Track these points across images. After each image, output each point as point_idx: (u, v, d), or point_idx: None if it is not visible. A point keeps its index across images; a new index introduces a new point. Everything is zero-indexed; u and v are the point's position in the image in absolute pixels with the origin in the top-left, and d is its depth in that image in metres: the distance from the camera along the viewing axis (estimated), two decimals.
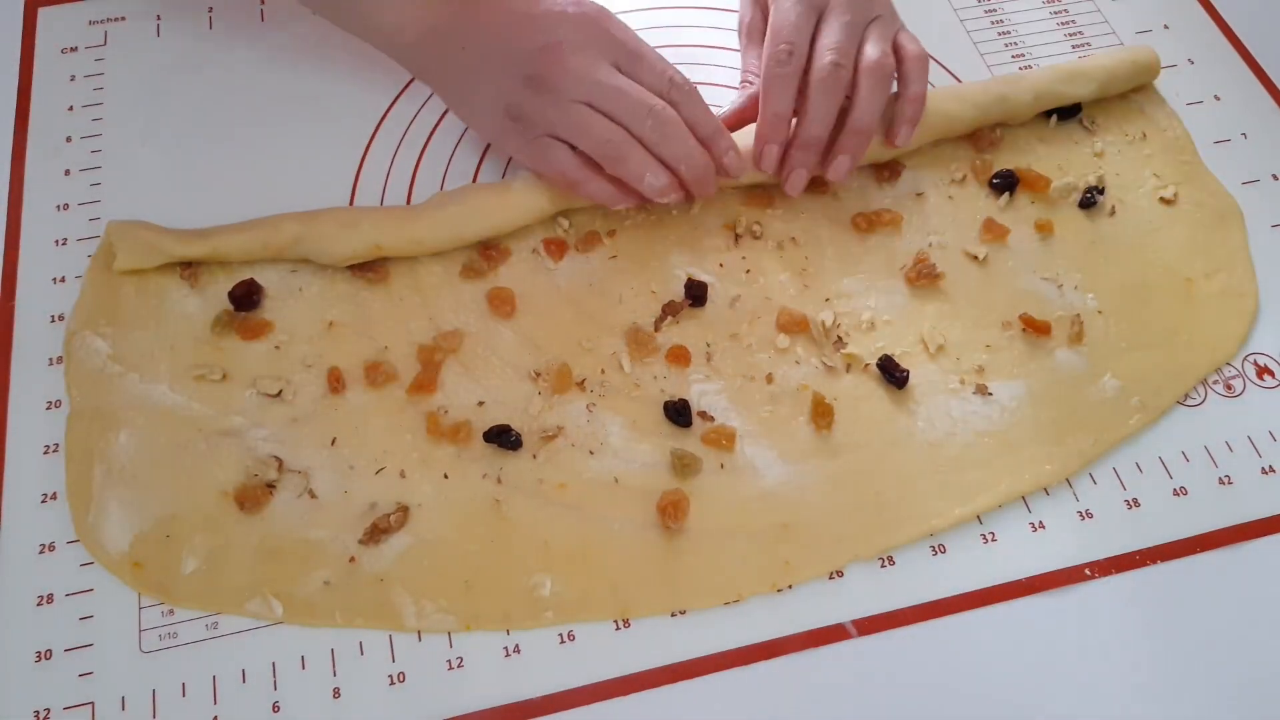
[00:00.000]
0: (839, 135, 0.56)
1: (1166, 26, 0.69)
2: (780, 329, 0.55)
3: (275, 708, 0.45)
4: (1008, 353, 0.55)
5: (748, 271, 0.57)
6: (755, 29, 0.61)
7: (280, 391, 0.52)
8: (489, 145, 0.62)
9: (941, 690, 0.46)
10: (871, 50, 0.55)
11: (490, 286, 0.56)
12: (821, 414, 0.52)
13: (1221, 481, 0.52)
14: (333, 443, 0.51)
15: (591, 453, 0.51)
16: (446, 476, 0.50)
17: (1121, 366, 0.54)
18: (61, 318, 0.54)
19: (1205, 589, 0.49)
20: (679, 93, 0.54)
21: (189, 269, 0.55)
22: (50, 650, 0.46)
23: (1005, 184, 0.60)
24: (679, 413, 0.52)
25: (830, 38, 0.55)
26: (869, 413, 0.53)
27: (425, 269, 0.56)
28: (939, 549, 0.50)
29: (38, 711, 0.44)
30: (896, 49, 0.57)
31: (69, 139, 0.61)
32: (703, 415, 0.52)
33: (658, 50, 0.55)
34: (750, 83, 0.61)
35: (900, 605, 0.48)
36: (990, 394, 0.53)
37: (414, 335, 0.54)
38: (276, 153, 0.61)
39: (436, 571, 0.48)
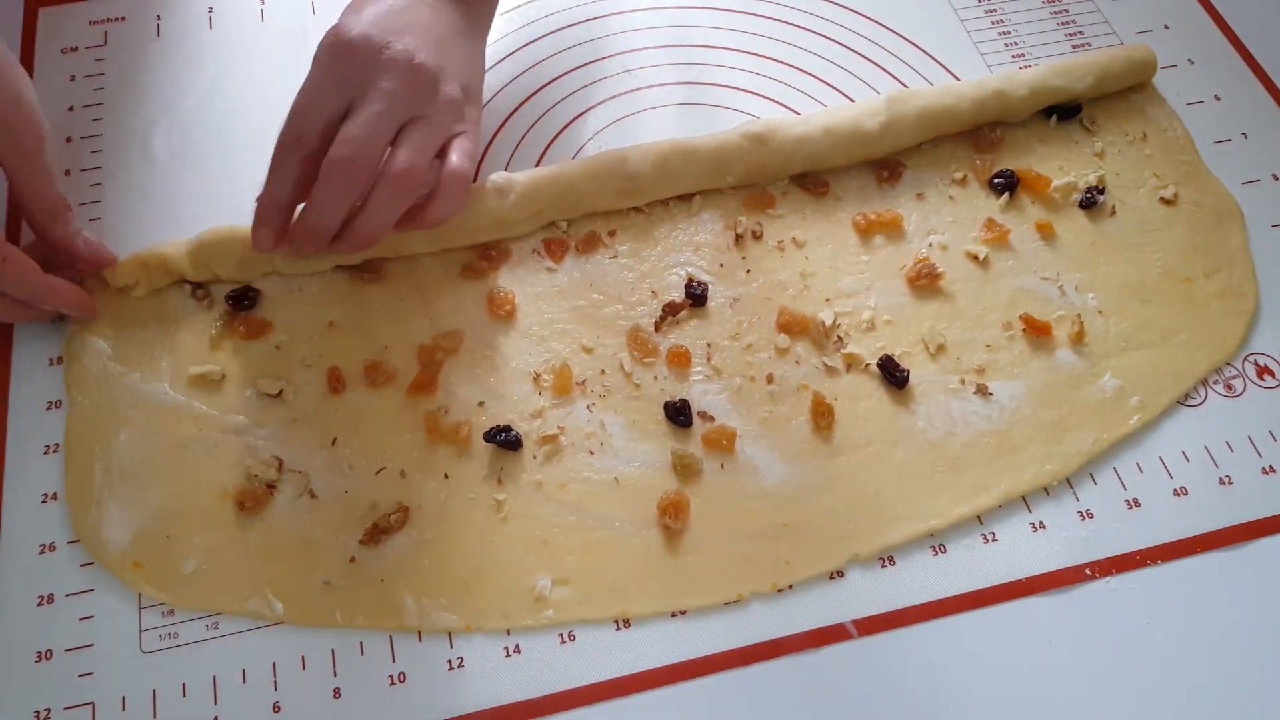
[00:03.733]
0: (343, 228, 0.50)
1: (1167, 26, 0.69)
2: (780, 329, 0.55)
3: (275, 708, 0.45)
4: (1008, 353, 0.55)
5: (748, 271, 0.57)
6: None
7: (280, 391, 0.52)
8: (489, 144, 0.62)
9: (941, 690, 0.46)
10: (400, 156, 0.49)
11: (490, 287, 0.56)
12: (821, 414, 0.52)
13: (1221, 481, 0.52)
14: (333, 443, 0.51)
15: (592, 453, 0.51)
16: (446, 476, 0.50)
17: (1121, 366, 0.54)
18: (62, 318, 0.54)
19: (1205, 589, 0.49)
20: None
21: (201, 288, 0.55)
22: (50, 650, 0.46)
23: (1006, 184, 0.60)
24: (679, 413, 0.52)
25: (350, 128, 0.48)
26: (869, 413, 0.53)
27: (425, 269, 0.56)
28: (939, 549, 0.50)
29: (38, 711, 0.44)
30: (443, 156, 0.51)
31: (69, 139, 0.61)
32: (703, 415, 0.52)
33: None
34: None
35: (900, 605, 0.48)
36: (990, 394, 0.53)
37: (414, 335, 0.54)
38: None
39: (436, 571, 0.48)
